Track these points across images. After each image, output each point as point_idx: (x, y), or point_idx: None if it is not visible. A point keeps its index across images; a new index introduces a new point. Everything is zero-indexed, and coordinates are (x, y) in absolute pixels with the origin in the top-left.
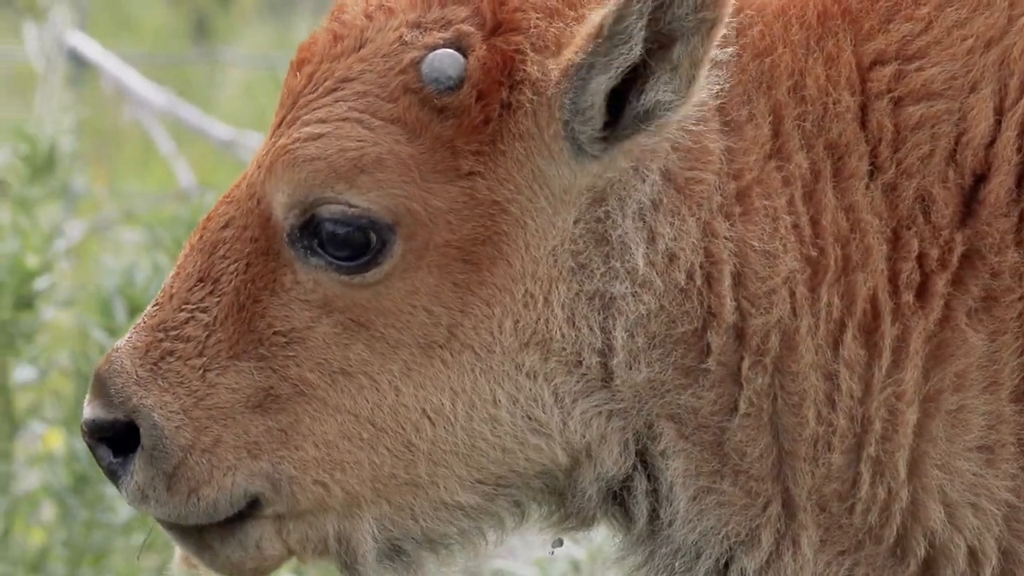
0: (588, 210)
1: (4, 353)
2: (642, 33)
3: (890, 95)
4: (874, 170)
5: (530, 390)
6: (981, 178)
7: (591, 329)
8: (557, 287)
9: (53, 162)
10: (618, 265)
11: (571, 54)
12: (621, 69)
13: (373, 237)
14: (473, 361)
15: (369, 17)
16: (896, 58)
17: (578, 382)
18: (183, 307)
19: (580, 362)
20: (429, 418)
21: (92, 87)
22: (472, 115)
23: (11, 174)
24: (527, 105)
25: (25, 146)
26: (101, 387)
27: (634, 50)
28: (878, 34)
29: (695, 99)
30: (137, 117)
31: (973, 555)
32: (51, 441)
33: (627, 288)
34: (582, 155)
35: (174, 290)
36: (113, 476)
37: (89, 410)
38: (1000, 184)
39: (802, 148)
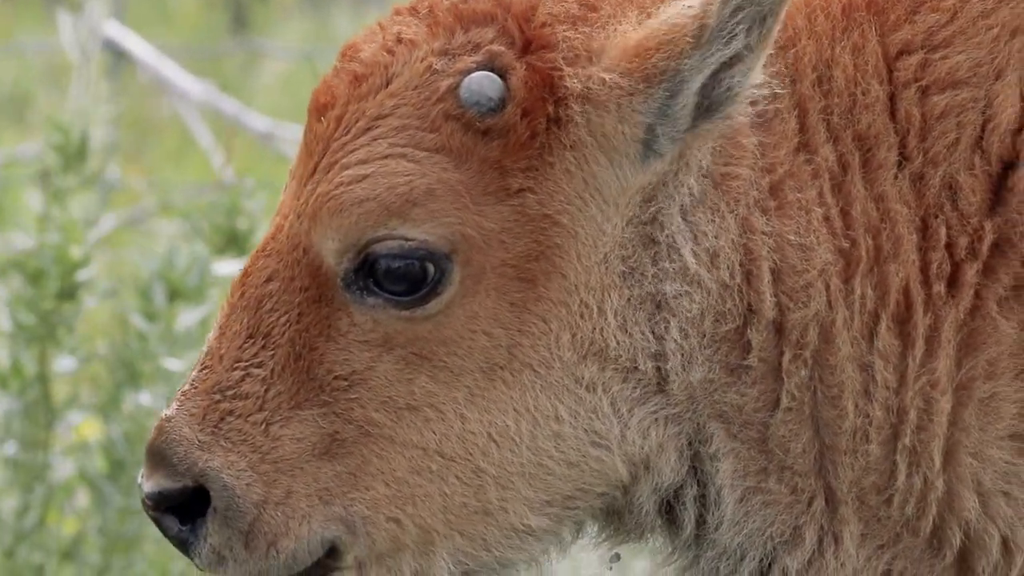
0: (639, 212)
1: (45, 343)
2: (742, 27)
3: (917, 84)
4: (903, 160)
5: (590, 402)
6: (1010, 165)
7: (643, 334)
8: (610, 294)
9: (85, 152)
10: (668, 265)
11: (655, 59)
12: (715, 66)
13: (431, 268)
14: (533, 379)
15: (390, 52)
16: (922, 47)
17: (634, 389)
18: (236, 365)
19: (636, 368)
20: (495, 441)
21: (129, 79)
22: (519, 132)
23: (45, 164)
24: (577, 118)
25: (58, 136)
26: (160, 459)
27: (733, 45)
28: (904, 24)
29: (756, 81)
30: (176, 109)
31: (1006, 545)
32: (86, 430)
33: (678, 288)
34: (650, 154)
35: (223, 351)
36: (183, 544)
37: (151, 483)
38: None
39: (828, 141)
